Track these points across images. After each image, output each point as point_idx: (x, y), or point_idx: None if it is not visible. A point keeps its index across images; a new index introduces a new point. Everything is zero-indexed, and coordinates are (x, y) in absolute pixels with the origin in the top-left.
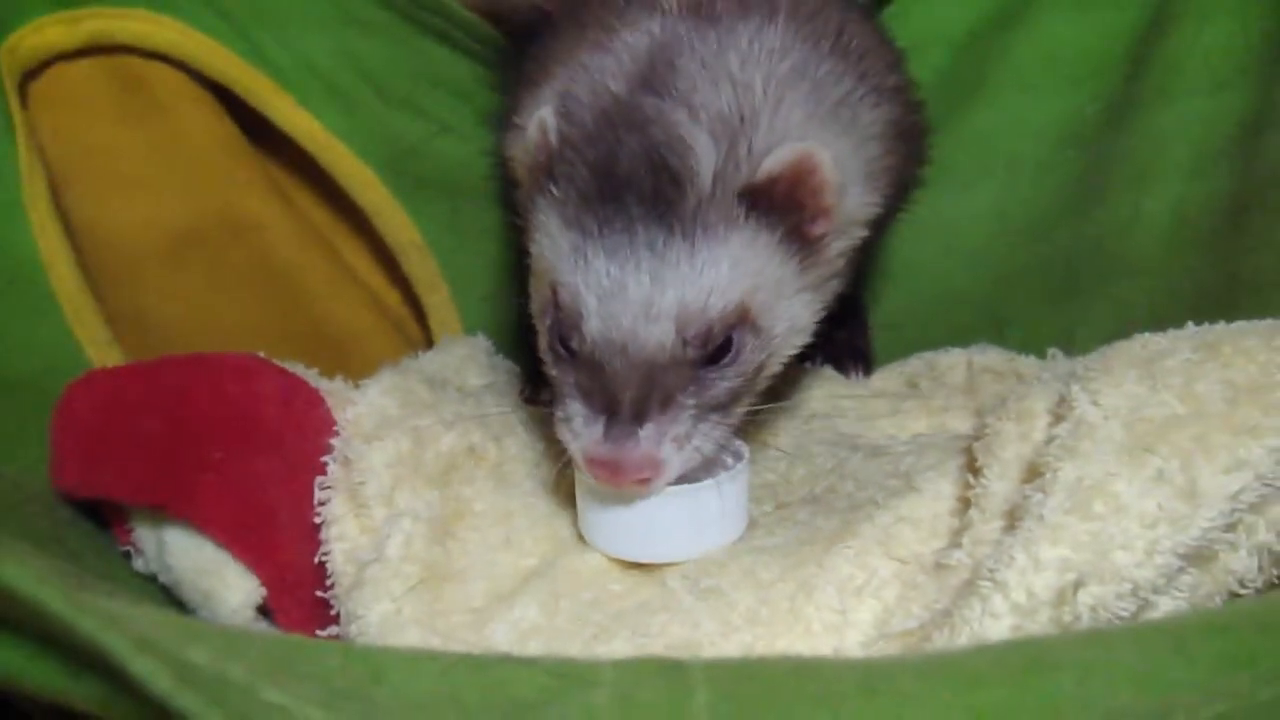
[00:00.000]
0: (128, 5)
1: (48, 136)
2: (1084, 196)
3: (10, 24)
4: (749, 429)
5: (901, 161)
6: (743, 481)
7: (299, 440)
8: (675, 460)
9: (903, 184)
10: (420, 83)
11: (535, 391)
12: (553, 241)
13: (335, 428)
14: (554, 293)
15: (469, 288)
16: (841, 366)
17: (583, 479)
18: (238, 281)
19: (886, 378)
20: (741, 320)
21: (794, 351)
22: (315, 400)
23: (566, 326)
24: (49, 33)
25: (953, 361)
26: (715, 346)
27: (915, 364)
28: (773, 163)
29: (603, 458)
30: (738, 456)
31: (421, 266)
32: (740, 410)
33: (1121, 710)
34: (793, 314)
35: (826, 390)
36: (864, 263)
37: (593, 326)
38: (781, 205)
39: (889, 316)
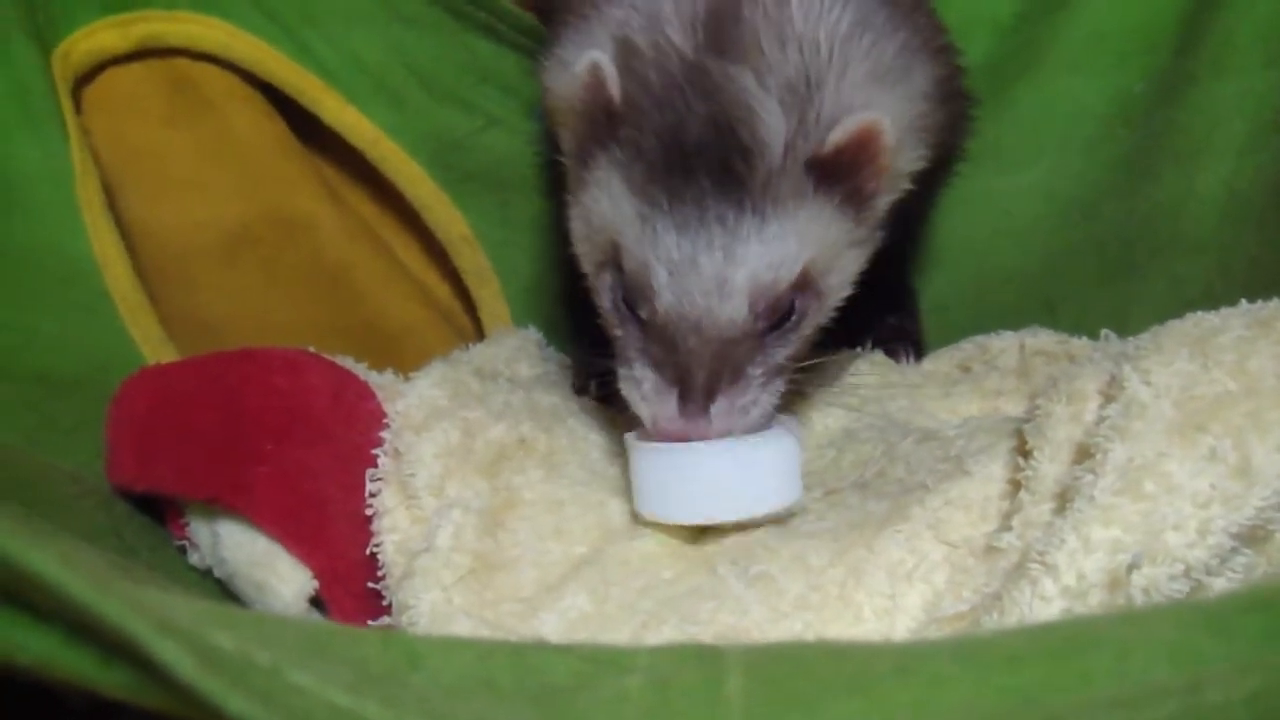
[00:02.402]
0: (176, 8)
1: (101, 140)
2: (1135, 174)
3: (63, 30)
4: (799, 410)
5: (947, 121)
6: (795, 441)
7: (349, 432)
8: (741, 427)
9: (947, 146)
10: (467, 77)
11: (586, 382)
12: (614, 202)
13: (385, 420)
14: (616, 252)
15: (518, 280)
16: (892, 351)
17: (638, 443)
18: (290, 279)
19: (938, 361)
20: (804, 286)
21: (840, 304)
22: (365, 393)
23: (633, 292)
24: (101, 37)
25: (1005, 345)
26: (780, 315)
27: (967, 348)
28: (840, 134)
29: (679, 432)
30: (788, 429)
31: (471, 260)
32: (790, 370)
33: (1157, 686)
34: (846, 271)
35: (877, 375)
36: (911, 243)
37: (665, 301)
38: (844, 173)
39: (939, 299)
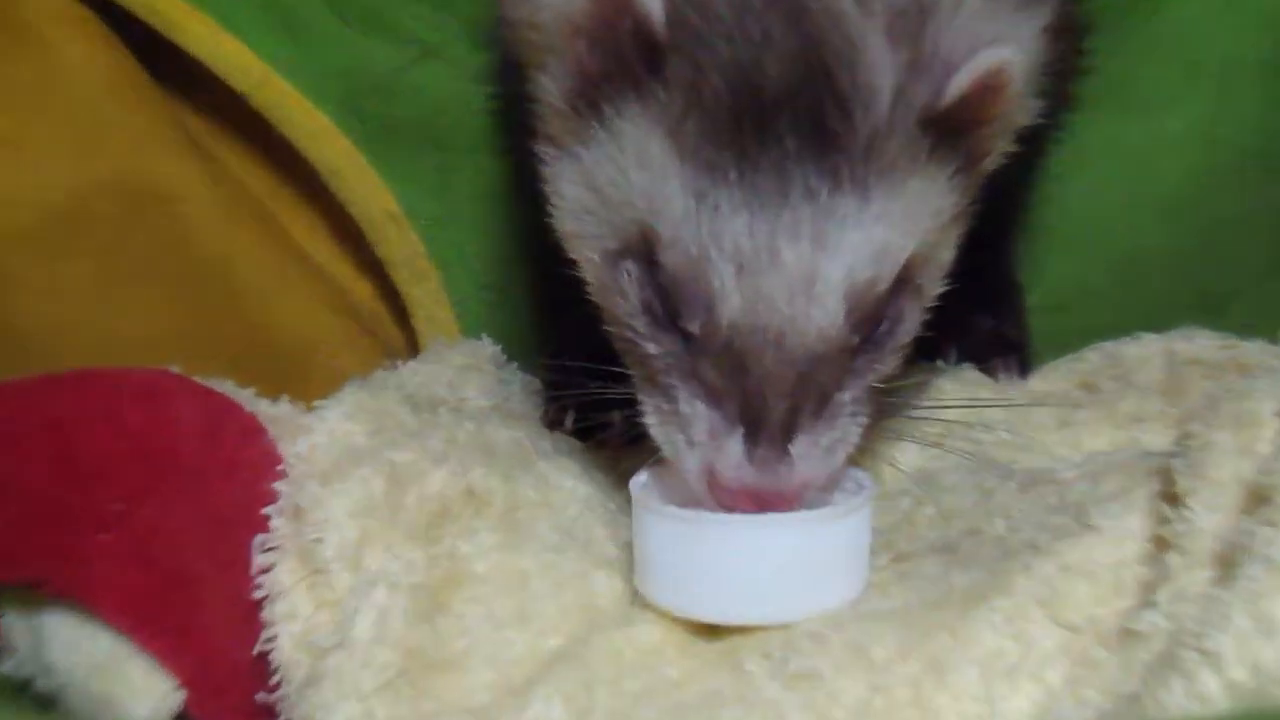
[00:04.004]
0: None
1: None
2: None
3: None
4: (864, 447)
5: (1059, 58)
6: (868, 512)
7: (228, 485)
8: (826, 474)
9: (1058, 92)
10: None
11: (562, 414)
12: (649, 169)
13: (281, 467)
14: (647, 240)
15: (466, 273)
16: (988, 365)
17: (651, 505)
18: (143, 274)
19: (1051, 378)
20: (905, 283)
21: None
22: (252, 429)
23: (677, 296)
24: None
25: (1145, 353)
26: (877, 322)
27: (1093, 358)
28: (966, 79)
29: (750, 488)
30: (858, 484)
31: (400, 245)
32: (878, 395)
33: None
34: (946, 260)
35: (967, 397)
36: (1011, 221)
37: (732, 309)
38: (966, 129)
39: (1053, 294)
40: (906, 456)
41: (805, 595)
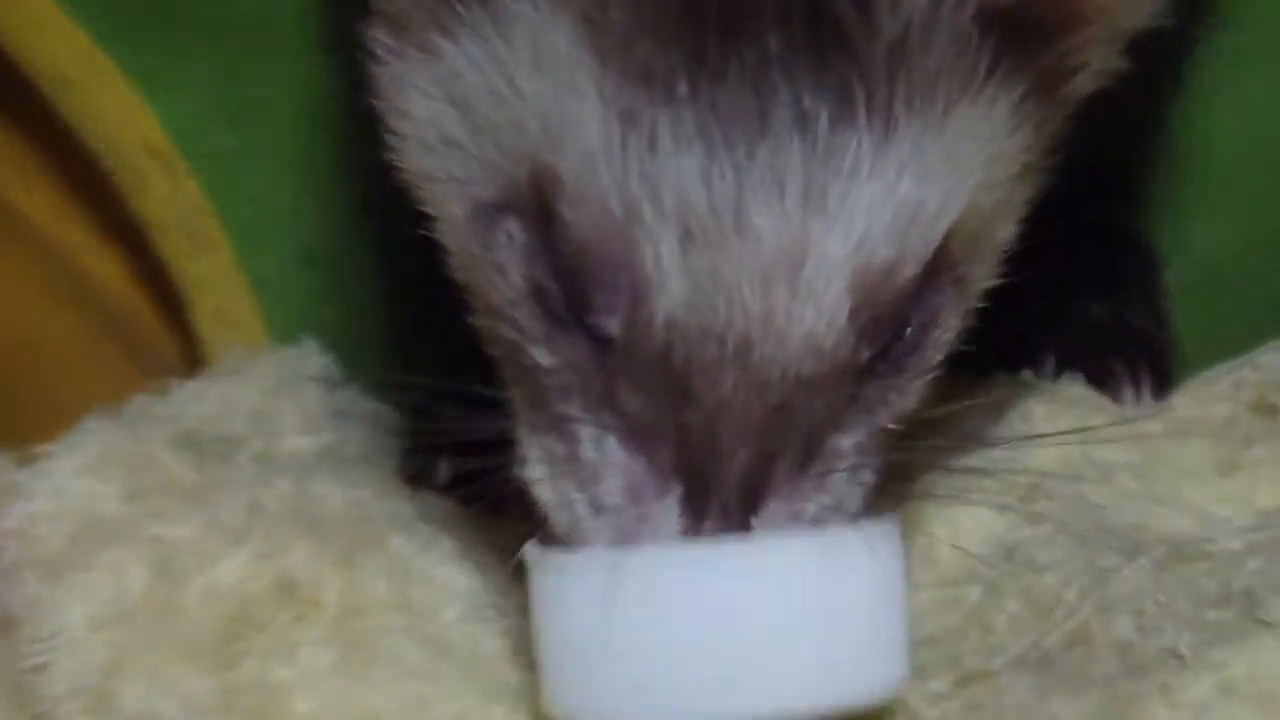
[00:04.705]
0: None
1: None
2: None
3: None
4: (903, 506)
5: None
6: (898, 553)
7: None
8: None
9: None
10: None
11: (431, 461)
12: (551, 77)
13: None
14: (543, 193)
15: (277, 241)
16: (1104, 377)
17: (552, 560)
18: None
19: (1201, 397)
20: (941, 267)
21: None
22: None
23: (588, 282)
24: None
25: None
26: (898, 327)
27: (1267, 365)
28: None
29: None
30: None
31: (168, 198)
32: (898, 433)
33: None
34: (1006, 229)
35: (1070, 427)
36: (1136, 170)
37: (671, 299)
38: (1046, 32)
39: (1205, 268)
40: (973, 525)
41: (797, 678)
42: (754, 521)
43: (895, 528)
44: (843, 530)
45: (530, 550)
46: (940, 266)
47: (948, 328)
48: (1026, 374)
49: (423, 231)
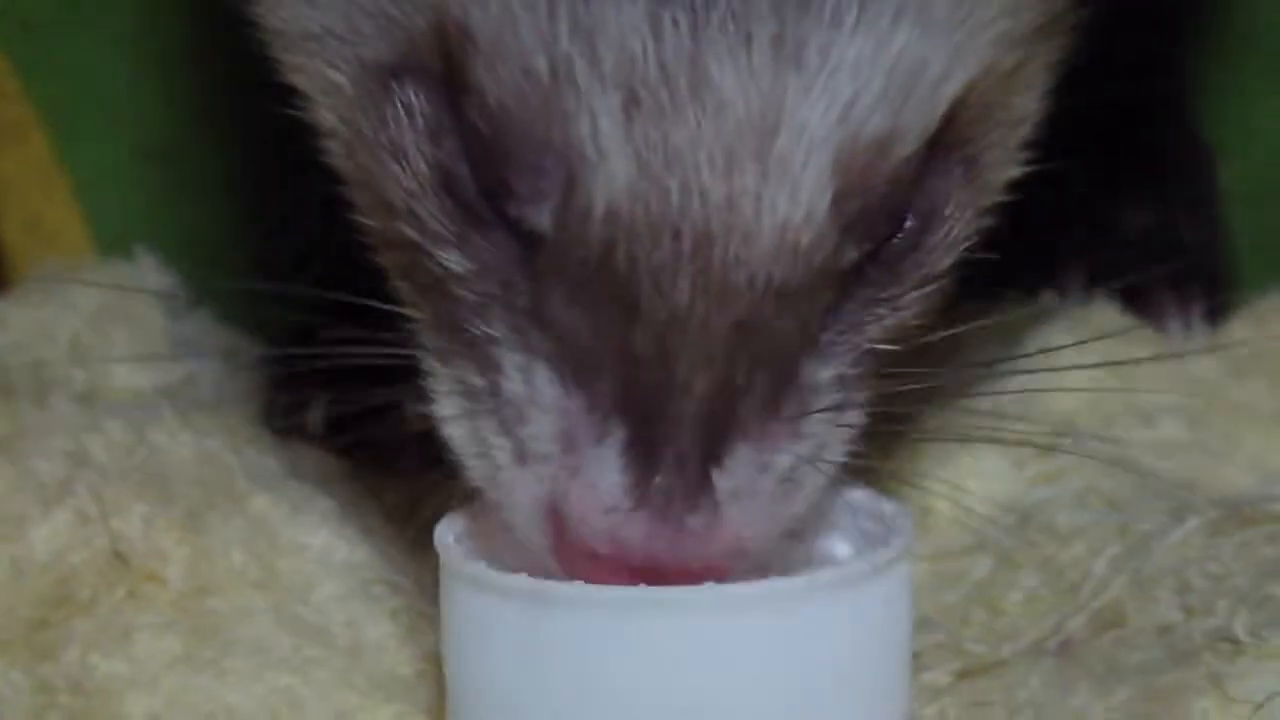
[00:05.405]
0: None
1: None
2: None
3: None
4: (903, 459)
5: None
6: (906, 578)
7: None
8: (781, 519)
9: None
10: None
11: (302, 402)
12: None
13: None
14: (450, 51)
15: (106, 124)
16: (1146, 300)
17: (474, 573)
18: None
19: (1263, 326)
20: (947, 150)
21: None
22: None
23: (508, 164)
24: None
25: None
26: (894, 221)
27: None
28: None
29: (635, 551)
30: (880, 522)
31: None
32: (892, 362)
33: None
34: (1027, 110)
35: (1102, 361)
36: (1183, 43)
37: (612, 182)
38: None
39: (1264, 179)
40: (981, 481)
41: None
42: (715, 475)
43: (903, 545)
44: (829, 576)
45: (444, 535)
46: (947, 142)
47: (956, 223)
48: (1049, 295)
49: (289, 111)
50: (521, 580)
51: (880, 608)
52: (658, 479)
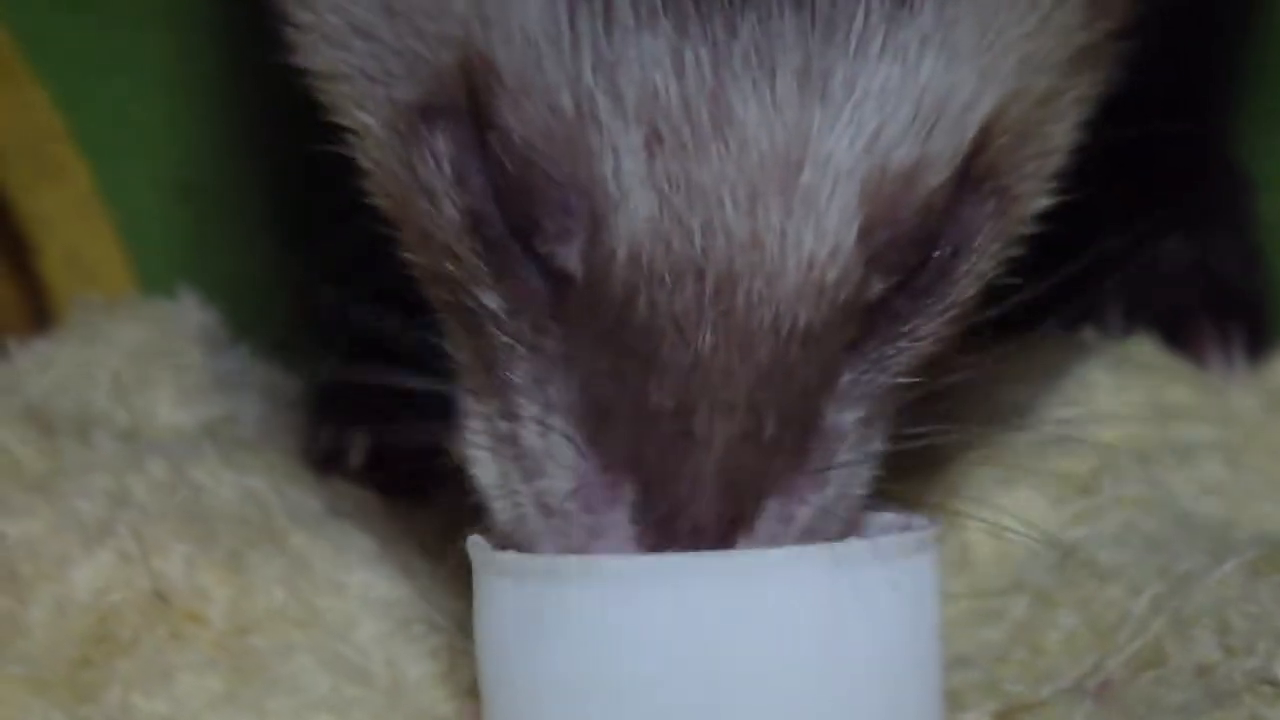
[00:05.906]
0: None
1: None
2: None
3: None
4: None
5: None
6: (933, 564)
7: None
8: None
9: None
10: None
11: (344, 439)
12: None
13: None
14: (478, 90)
15: (145, 160)
16: (1186, 336)
17: (502, 562)
18: None
19: None
20: (977, 179)
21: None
22: None
23: (535, 202)
24: None
25: None
26: (920, 255)
27: None
28: None
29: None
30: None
31: (6, 117)
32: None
33: None
34: (1054, 138)
35: (1143, 402)
36: (1221, 65)
37: (635, 222)
38: None
39: None
40: (1019, 520)
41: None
42: (740, 538)
43: (933, 532)
44: (864, 553)
45: (475, 544)
46: (977, 172)
47: (986, 254)
48: (1087, 331)
49: (331, 148)
50: (563, 560)
51: (910, 582)
52: (678, 524)
